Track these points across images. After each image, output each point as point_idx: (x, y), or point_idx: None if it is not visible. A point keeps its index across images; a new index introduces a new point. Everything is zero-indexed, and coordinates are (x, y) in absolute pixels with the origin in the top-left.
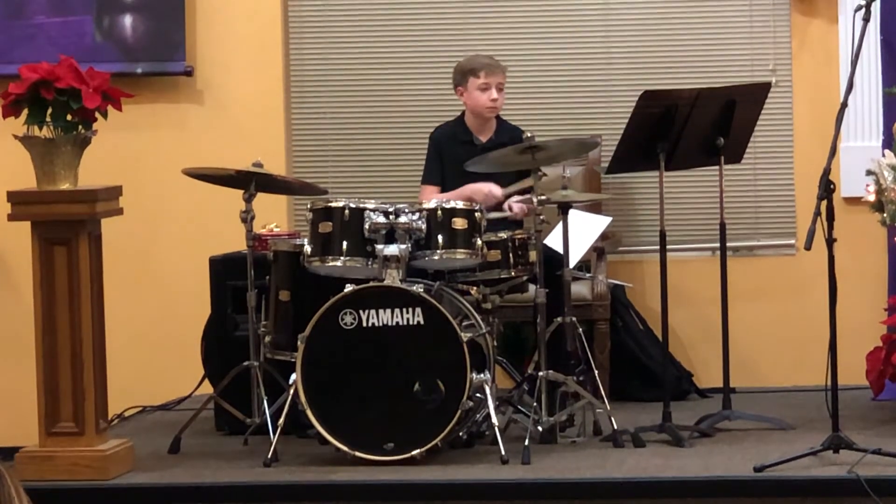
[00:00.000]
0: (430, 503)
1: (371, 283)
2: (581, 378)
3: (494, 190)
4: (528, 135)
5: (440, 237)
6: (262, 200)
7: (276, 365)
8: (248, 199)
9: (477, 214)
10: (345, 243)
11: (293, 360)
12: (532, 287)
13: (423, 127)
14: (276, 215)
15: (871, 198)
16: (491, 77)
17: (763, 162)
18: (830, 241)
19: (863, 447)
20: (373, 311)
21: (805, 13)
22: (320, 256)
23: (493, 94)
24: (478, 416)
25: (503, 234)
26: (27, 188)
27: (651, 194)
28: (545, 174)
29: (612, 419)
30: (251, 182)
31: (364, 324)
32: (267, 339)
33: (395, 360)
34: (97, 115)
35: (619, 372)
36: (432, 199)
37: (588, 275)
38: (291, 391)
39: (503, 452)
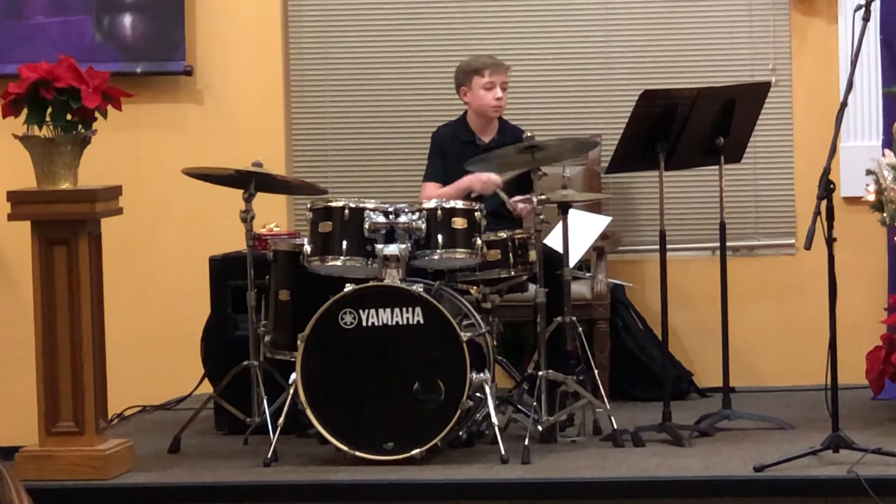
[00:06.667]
0: (430, 503)
1: (371, 283)
2: (581, 377)
3: (493, 176)
4: (529, 134)
5: (440, 237)
6: (262, 200)
7: (276, 364)
8: (248, 199)
9: (477, 214)
10: (345, 243)
11: (293, 359)
12: (532, 287)
13: (424, 127)
14: (276, 215)
15: (871, 197)
16: (496, 76)
17: (763, 162)
18: (830, 241)
19: (863, 447)
20: (373, 311)
21: (805, 13)
22: (320, 256)
23: (498, 93)
24: (478, 415)
25: (503, 234)
26: (27, 188)
27: (651, 194)
28: (545, 174)
29: (612, 419)
30: (251, 182)
31: (364, 323)
32: (267, 338)
33: (395, 359)
34: (97, 114)
35: (619, 371)
36: (433, 195)
37: (588, 274)
38: (291, 391)
39: (503, 452)
